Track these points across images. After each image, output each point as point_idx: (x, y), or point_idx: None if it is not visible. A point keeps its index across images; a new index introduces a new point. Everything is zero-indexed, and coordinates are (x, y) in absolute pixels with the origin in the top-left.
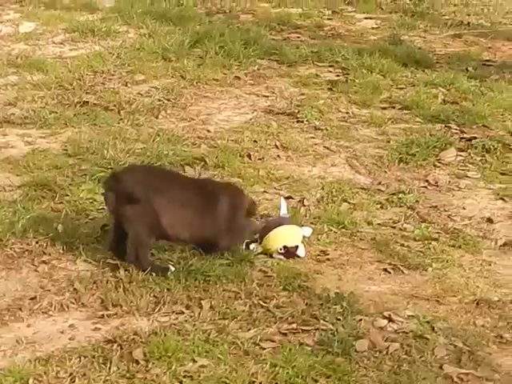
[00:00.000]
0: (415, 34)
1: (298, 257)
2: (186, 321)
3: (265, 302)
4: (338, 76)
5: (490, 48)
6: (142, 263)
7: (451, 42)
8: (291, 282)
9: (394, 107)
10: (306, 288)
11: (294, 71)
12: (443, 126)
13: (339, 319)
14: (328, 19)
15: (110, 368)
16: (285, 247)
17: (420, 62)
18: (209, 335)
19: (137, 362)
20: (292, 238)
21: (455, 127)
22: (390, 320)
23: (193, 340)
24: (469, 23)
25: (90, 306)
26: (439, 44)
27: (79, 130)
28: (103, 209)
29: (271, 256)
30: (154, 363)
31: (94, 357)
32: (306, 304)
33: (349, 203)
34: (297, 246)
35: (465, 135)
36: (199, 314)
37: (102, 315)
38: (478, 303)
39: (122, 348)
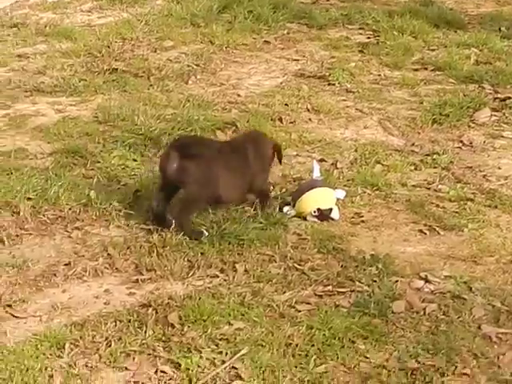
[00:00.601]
0: None
1: (332, 219)
2: (220, 284)
3: (299, 265)
4: (368, 38)
5: None
6: (185, 225)
7: (483, 1)
8: (326, 244)
9: (426, 68)
10: (340, 250)
11: (324, 34)
12: (477, 86)
13: (375, 281)
14: None
15: (145, 332)
16: (318, 210)
17: (452, 22)
18: (244, 298)
19: (172, 325)
20: (325, 200)
21: (489, 87)
22: (427, 281)
23: (228, 303)
24: None
25: (125, 271)
26: (471, 4)
27: (109, 97)
28: (135, 175)
29: (305, 219)
30: (189, 326)
31: (129, 321)
32: (341, 266)
33: (382, 165)
34: (331, 209)
35: (499, 95)
36: (234, 277)
37: (137, 280)
38: None
39: (157, 312)
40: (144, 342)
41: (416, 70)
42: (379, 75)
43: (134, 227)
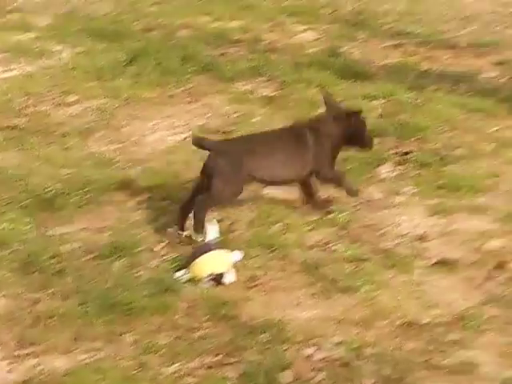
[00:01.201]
0: (355, 45)
1: (227, 283)
2: (105, 358)
3: (189, 334)
4: (275, 91)
5: (429, 57)
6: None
7: (390, 52)
8: (218, 310)
9: None
10: (232, 317)
11: (230, 87)
12: (380, 139)
13: (266, 349)
14: (267, 32)
15: None
16: (212, 274)
17: (358, 74)
18: (128, 372)
19: None
20: (219, 264)
21: (392, 141)
22: (318, 348)
23: (111, 378)
24: (408, 32)
25: (6, 345)
26: (378, 55)
27: (5, 157)
28: (27, 239)
29: (199, 284)
30: None
31: None
32: (232, 334)
33: (281, 224)
34: (225, 273)
35: (401, 149)
36: (120, 349)
37: (18, 355)
38: (407, 326)
39: None
40: None
41: None
42: None
43: (21, 296)
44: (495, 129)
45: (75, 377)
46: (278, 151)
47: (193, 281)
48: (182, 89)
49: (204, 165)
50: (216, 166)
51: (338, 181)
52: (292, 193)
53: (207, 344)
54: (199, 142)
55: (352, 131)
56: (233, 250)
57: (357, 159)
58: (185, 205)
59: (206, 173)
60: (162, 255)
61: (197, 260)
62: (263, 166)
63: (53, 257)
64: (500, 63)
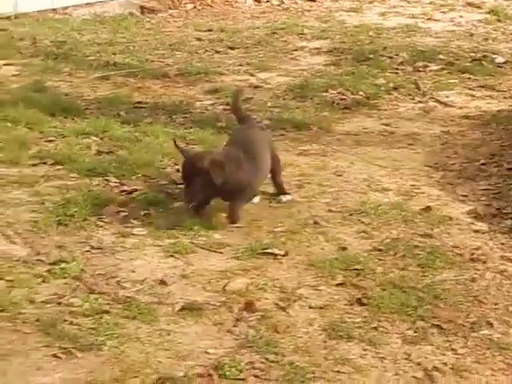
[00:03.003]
0: (60, 78)
1: None
2: None
3: None
4: None
5: (140, 88)
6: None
7: (99, 84)
8: None
9: (45, 163)
10: None
11: None
12: (101, 179)
13: None
14: None
15: None
16: None
17: (68, 109)
18: None
19: None
20: None
21: (114, 180)
22: None
23: None
24: (115, 63)
25: None
26: (87, 88)
27: None
28: None
29: None
30: None
31: None
32: None
33: (6, 281)
34: None
35: (125, 188)
36: None
37: None
38: (162, 382)
39: None
40: None
41: (34, 165)
42: None
43: None
44: None
45: None
46: None
47: None
48: None
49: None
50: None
51: None
52: (15, 243)
53: None
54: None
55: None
56: None
57: (79, 201)
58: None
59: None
60: None
61: None
62: None
63: None
64: (213, 91)
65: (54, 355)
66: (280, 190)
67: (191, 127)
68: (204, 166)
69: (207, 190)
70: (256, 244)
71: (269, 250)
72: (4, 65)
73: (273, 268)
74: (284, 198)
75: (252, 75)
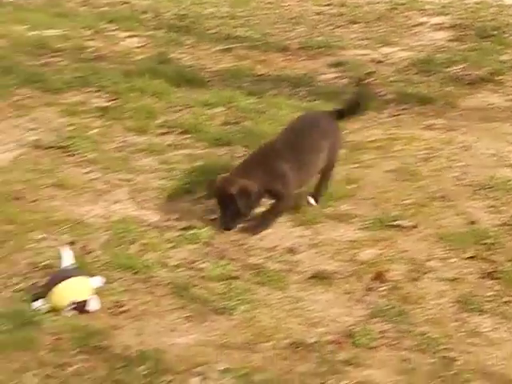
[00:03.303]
0: (183, 50)
1: (91, 311)
2: None
3: (60, 371)
4: (108, 102)
5: (262, 61)
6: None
7: (221, 57)
8: (87, 342)
9: (172, 132)
10: (104, 348)
11: (59, 99)
12: (227, 148)
13: (147, 382)
14: (89, 40)
15: None
16: (74, 302)
17: (192, 80)
18: None
19: None
20: (80, 291)
21: (240, 149)
22: (204, 377)
23: None
24: (236, 36)
25: None
26: (209, 60)
27: None
28: None
29: (60, 313)
30: None
31: None
32: (108, 367)
33: (139, 244)
34: (87, 300)
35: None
36: None
37: None
38: (294, 347)
39: None
40: None
41: (162, 134)
42: (124, 142)
43: None
44: (344, 132)
45: None
46: None
47: (53, 311)
48: (7, 102)
49: None
50: None
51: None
52: (146, 208)
53: (82, 381)
54: None
55: None
56: (92, 275)
57: (207, 170)
58: None
59: None
60: (15, 283)
61: (55, 288)
62: None
63: None
64: (335, 64)
65: (188, 317)
66: (315, 191)
67: (315, 100)
68: (232, 193)
69: (241, 216)
70: (384, 216)
71: (397, 222)
72: (128, 37)
73: (402, 240)
74: (311, 200)
75: (374, 50)
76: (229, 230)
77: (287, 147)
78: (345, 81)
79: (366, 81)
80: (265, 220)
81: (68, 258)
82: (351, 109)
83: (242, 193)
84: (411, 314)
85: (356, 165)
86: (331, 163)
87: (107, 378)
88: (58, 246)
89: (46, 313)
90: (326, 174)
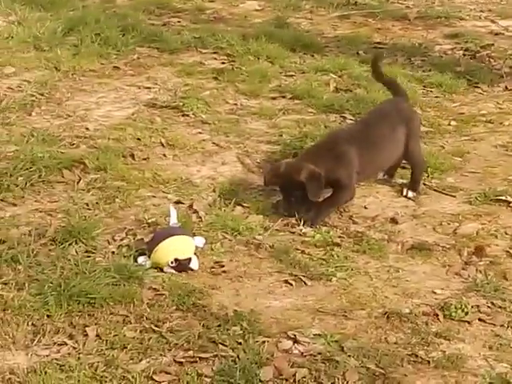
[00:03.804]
0: (301, 15)
1: (191, 270)
2: (69, 354)
3: (157, 326)
4: (223, 63)
5: (379, 29)
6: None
7: (339, 23)
8: (185, 300)
9: (284, 97)
10: (201, 306)
11: (176, 59)
12: (338, 115)
13: (240, 343)
14: (209, 1)
15: None
16: (176, 260)
17: (309, 46)
18: (96, 370)
19: None
20: (183, 249)
21: (350, 117)
22: (296, 341)
23: (78, 377)
24: (356, 3)
25: None
26: (327, 26)
27: None
28: None
29: (162, 270)
30: None
31: None
32: (203, 326)
33: (243, 206)
34: (189, 259)
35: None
36: (84, 344)
37: None
38: (388, 317)
39: None
40: None
41: (274, 98)
42: (235, 104)
43: None
44: (455, 104)
45: (39, 375)
46: None
47: (156, 267)
48: (125, 61)
49: None
50: None
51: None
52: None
53: (177, 337)
54: None
55: None
56: (194, 234)
57: (315, 136)
58: None
59: None
60: (121, 239)
61: (160, 245)
62: None
63: (2, 242)
64: (453, 35)
65: (285, 281)
66: (411, 183)
67: (430, 70)
68: (300, 179)
69: (305, 203)
70: (489, 190)
71: (502, 197)
72: None
73: (505, 215)
74: (410, 194)
75: (493, 22)
76: (289, 216)
77: (356, 137)
78: (460, 52)
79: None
80: (323, 211)
81: (174, 217)
82: None
83: (311, 177)
84: (508, 290)
85: (465, 138)
86: (411, 154)
87: (202, 335)
88: (165, 204)
89: (148, 269)
90: (411, 164)
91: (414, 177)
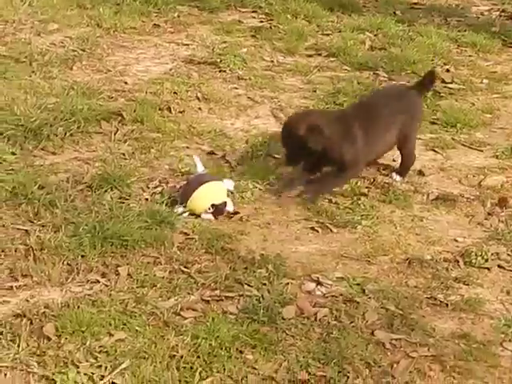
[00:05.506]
0: None
1: (228, 212)
2: (101, 291)
3: (186, 267)
4: (261, 22)
5: None
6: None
7: None
8: (214, 244)
9: (319, 54)
10: (229, 250)
11: (215, 18)
12: (371, 73)
13: (265, 284)
14: None
15: (18, 345)
16: (213, 205)
17: (346, 5)
18: (126, 306)
19: (48, 338)
20: (218, 194)
21: (384, 74)
22: (319, 283)
23: (109, 312)
24: None
25: None
26: None
27: None
28: (13, 169)
29: (199, 216)
30: (66, 338)
31: (1, 333)
32: (230, 268)
33: (274, 158)
34: (225, 202)
35: (393, 83)
36: (116, 282)
37: (11, 287)
38: (409, 262)
39: (31, 323)
40: (17, 356)
41: (310, 55)
42: (272, 61)
43: (11, 228)
44: (488, 63)
45: (72, 310)
46: None
47: (193, 214)
48: (165, 19)
49: None
50: None
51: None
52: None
53: (205, 278)
54: None
55: None
56: (223, 179)
57: (348, 92)
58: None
59: None
60: (154, 187)
61: (194, 193)
62: None
63: (41, 188)
64: None
65: (312, 228)
66: (401, 169)
67: (465, 30)
68: (300, 132)
69: (307, 156)
70: None
71: None
72: None
73: None
74: (396, 177)
75: None
76: (292, 167)
77: (360, 117)
78: (497, 13)
79: None
80: (325, 185)
81: (200, 164)
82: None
83: (311, 130)
84: None
85: (496, 95)
86: (405, 140)
87: (229, 276)
88: (200, 154)
89: (185, 217)
90: (402, 150)
91: (404, 164)
